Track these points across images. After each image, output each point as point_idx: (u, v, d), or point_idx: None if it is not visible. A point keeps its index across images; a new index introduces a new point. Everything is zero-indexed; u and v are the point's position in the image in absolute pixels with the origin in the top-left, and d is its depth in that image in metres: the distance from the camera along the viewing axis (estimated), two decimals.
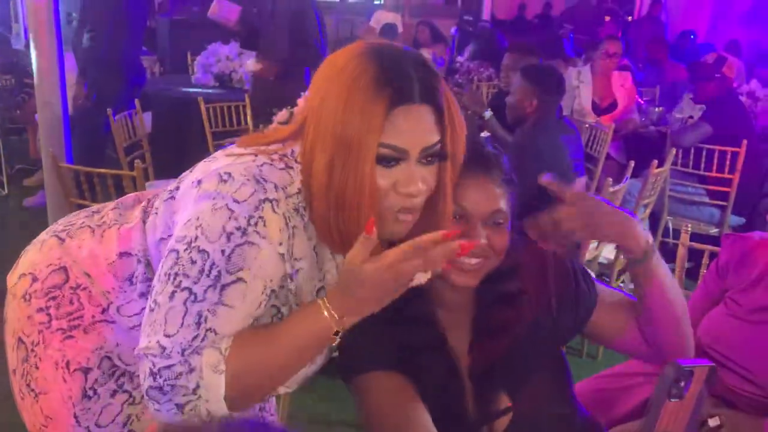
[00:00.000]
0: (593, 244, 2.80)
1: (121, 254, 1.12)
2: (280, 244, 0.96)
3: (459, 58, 6.64)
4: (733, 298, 1.57)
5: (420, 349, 1.14)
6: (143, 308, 1.01)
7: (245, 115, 4.19)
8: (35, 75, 2.71)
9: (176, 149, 4.08)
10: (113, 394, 1.13)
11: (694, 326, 1.32)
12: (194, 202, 0.97)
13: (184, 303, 0.92)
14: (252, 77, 4.22)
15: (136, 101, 3.82)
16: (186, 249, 0.94)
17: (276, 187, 0.97)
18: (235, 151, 1.02)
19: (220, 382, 0.92)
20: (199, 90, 4.81)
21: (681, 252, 2.00)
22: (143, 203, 1.16)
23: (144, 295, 1.09)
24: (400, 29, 8.77)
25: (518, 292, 1.17)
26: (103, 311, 1.12)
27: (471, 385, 1.16)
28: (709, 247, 2.00)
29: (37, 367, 1.12)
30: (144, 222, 1.12)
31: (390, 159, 0.95)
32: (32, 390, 1.14)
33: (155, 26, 6.77)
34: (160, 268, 0.97)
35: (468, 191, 1.09)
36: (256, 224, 0.94)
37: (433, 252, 0.93)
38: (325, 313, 0.96)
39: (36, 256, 1.16)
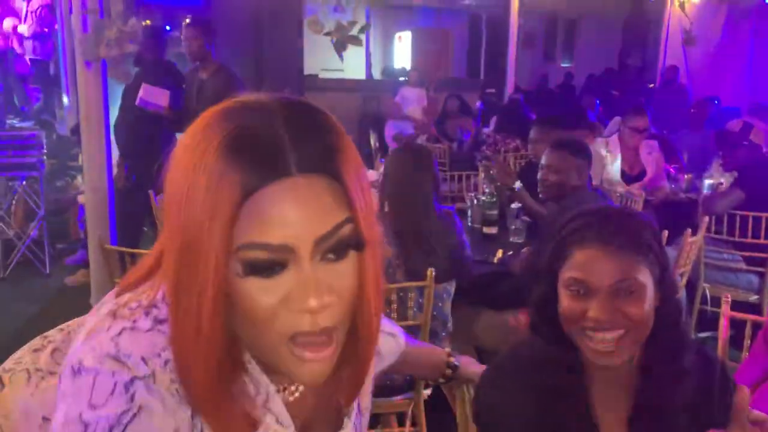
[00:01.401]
0: None
1: (45, 419, 0.85)
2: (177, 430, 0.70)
3: (485, 130, 6.78)
4: None
5: (563, 422, 1.11)
6: None
7: None
8: (84, 161, 2.86)
9: None
10: None
11: None
12: (58, 400, 0.73)
13: None
14: None
15: None
16: None
17: (144, 359, 0.70)
18: (101, 313, 0.76)
19: None
20: None
21: (723, 323, 1.99)
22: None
23: None
24: (425, 103, 9.01)
25: (685, 371, 1.12)
26: None
27: None
28: (752, 317, 1.98)
29: None
30: None
31: (263, 265, 0.66)
32: None
33: None
34: None
35: (590, 261, 1.06)
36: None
37: None
38: None
39: None
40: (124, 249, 2.56)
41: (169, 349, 0.70)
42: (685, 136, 6.12)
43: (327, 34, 3.55)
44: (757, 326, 1.93)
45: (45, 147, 4.88)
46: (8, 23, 7.60)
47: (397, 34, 12.35)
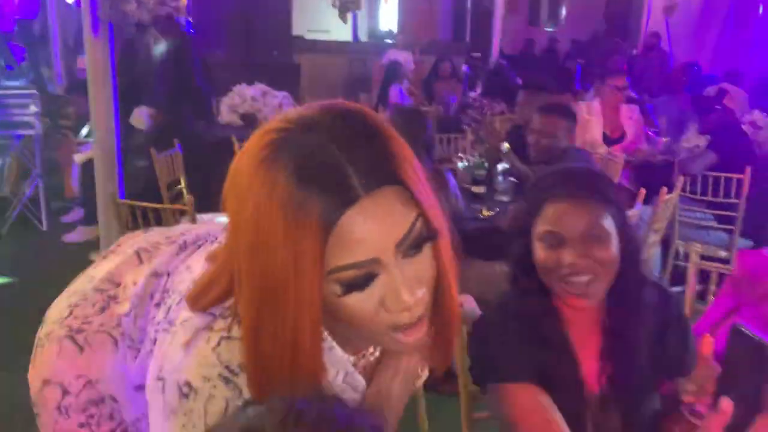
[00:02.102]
0: None
1: (137, 387, 0.95)
2: None
3: (471, 94, 6.91)
4: (748, 309, 1.73)
5: (553, 370, 1.24)
6: None
7: None
8: (94, 121, 2.98)
9: (209, 186, 4.31)
10: None
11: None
12: (164, 417, 0.81)
13: None
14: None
15: (175, 141, 4.07)
16: None
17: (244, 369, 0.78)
18: (184, 319, 0.84)
19: None
20: (228, 128, 5.09)
21: (692, 270, 2.19)
22: (158, 316, 0.94)
23: None
24: (412, 66, 9.08)
25: (645, 305, 1.27)
26: None
27: (592, 405, 1.28)
28: (718, 264, 2.19)
29: None
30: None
31: (359, 281, 0.72)
32: None
33: None
34: None
35: (563, 215, 1.20)
36: None
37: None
38: None
39: (57, 361, 1.00)
40: (136, 203, 2.70)
41: None
42: (665, 101, 6.32)
43: None
44: (722, 278, 2.11)
45: (40, 106, 4.94)
46: None
47: None
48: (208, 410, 0.77)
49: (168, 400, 0.80)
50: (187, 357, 0.80)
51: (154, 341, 0.91)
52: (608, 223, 1.21)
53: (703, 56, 10.04)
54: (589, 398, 1.28)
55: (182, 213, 2.65)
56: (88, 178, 4.73)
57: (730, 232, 3.87)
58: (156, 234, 1.10)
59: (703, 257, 2.21)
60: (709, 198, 3.94)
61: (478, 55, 9.39)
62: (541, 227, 1.24)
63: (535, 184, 1.31)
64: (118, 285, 1.01)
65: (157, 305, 0.95)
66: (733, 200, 3.84)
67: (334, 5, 3.64)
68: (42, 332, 1.04)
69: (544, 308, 1.27)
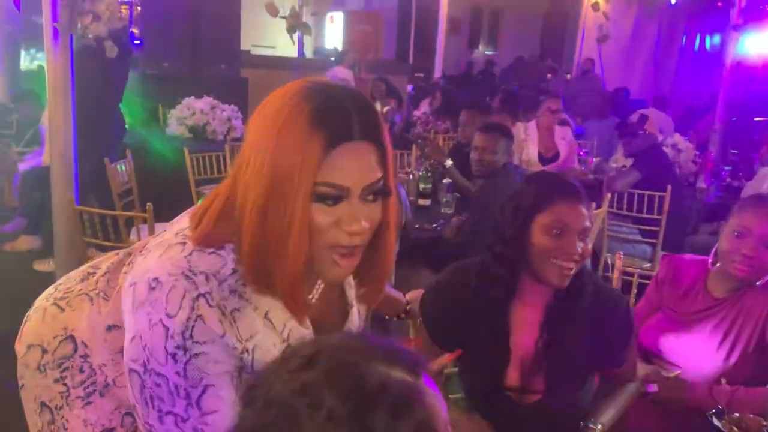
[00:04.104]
0: None
1: (110, 327, 1.11)
2: (222, 335, 0.95)
3: (415, 113, 7.16)
4: (669, 306, 1.96)
5: (484, 321, 1.53)
6: None
7: (225, 163, 4.54)
8: (50, 128, 3.02)
9: (161, 195, 4.37)
10: None
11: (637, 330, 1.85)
12: (132, 312, 0.97)
13: (176, 425, 0.95)
14: None
15: (127, 151, 4.11)
16: (145, 372, 0.95)
17: (207, 277, 0.95)
18: (166, 237, 1.02)
19: None
20: (177, 140, 5.15)
21: (615, 275, 2.43)
22: (124, 269, 1.12)
23: None
24: (353, 84, 9.26)
25: (585, 312, 1.52)
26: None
27: (518, 362, 1.54)
28: (638, 270, 2.44)
29: (65, 428, 1.15)
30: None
31: (330, 197, 0.93)
32: None
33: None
34: (132, 388, 0.98)
35: (569, 212, 1.46)
36: (192, 334, 0.93)
37: None
38: None
39: (40, 326, 1.16)
40: (93, 210, 2.77)
41: (226, 267, 0.96)
42: (595, 124, 6.72)
43: (282, 17, 3.78)
44: (642, 286, 2.34)
45: None
46: None
47: (329, 15, 12.52)
48: (169, 298, 0.94)
49: (137, 295, 0.97)
50: (159, 260, 0.98)
51: (125, 279, 1.08)
52: (590, 225, 1.49)
53: (632, 82, 10.65)
54: (513, 349, 1.55)
55: (144, 221, 2.73)
56: (30, 188, 4.71)
57: (652, 245, 4.19)
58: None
59: (627, 273, 2.45)
60: (635, 213, 4.25)
61: (421, 75, 9.68)
62: (547, 218, 1.47)
63: (539, 184, 1.55)
64: (98, 268, 1.20)
65: (128, 264, 1.11)
66: (655, 216, 4.15)
67: (288, 29, 3.77)
68: (30, 310, 1.21)
69: (507, 274, 1.52)
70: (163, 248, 0.99)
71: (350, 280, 1.16)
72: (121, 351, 1.07)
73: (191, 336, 0.93)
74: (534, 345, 1.54)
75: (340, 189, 0.93)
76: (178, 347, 0.93)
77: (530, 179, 1.60)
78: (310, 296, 1.07)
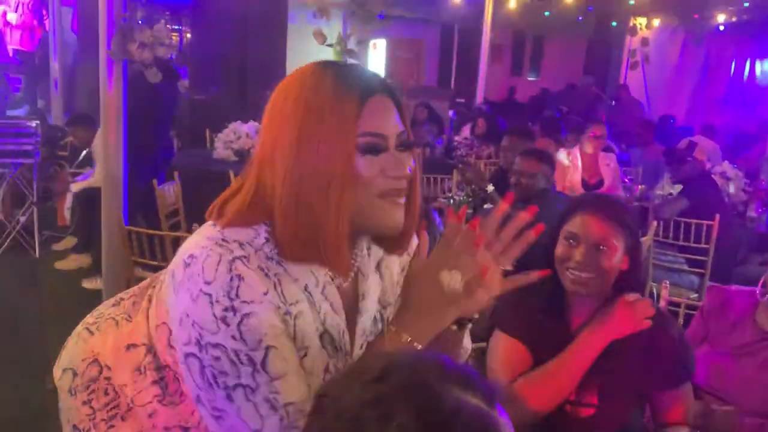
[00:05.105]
0: None
1: (129, 346, 1.12)
2: (266, 293, 0.94)
3: (456, 138, 7.17)
4: (716, 338, 1.91)
5: (548, 334, 1.57)
6: (155, 395, 1.08)
7: None
8: (102, 149, 3.13)
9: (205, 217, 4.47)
10: None
11: None
12: (174, 295, 0.97)
13: (246, 398, 0.92)
14: None
15: (175, 173, 4.23)
16: (200, 350, 0.93)
17: (240, 244, 0.95)
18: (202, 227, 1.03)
19: None
20: (223, 163, 5.27)
21: (662, 304, 2.38)
22: (149, 291, 1.14)
23: (156, 382, 1.09)
24: None
25: (639, 334, 1.53)
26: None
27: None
28: (684, 300, 2.38)
29: None
30: (148, 310, 1.11)
31: (375, 147, 0.95)
32: None
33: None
34: (192, 375, 0.95)
35: (584, 222, 1.54)
36: (237, 293, 0.92)
37: (458, 243, 1.01)
38: (405, 338, 1.00)
39: (73, 350, 1.19)
40: (141, 229, 2.84)
41: (258, 237, 0.96)
42: (640, 152, 6.62)
43: (329, 45, 3.88)
44: (689, 316, 2.28)
45: (40, 136, 5.06)
46: None
47: (372, 42, 12.69)
48: (204, 267, 0.93)
49: (175, 278, 0.97)
50: (192, 241, 0.99)
51: (149, 300, 1.11)
52: (617, 241, 1.54)
53: (678, 109, 10.48)
54: None
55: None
56: (82, 208, 4.87)
57: (700, 275, 4.08)
58: None
59: (673, 303, 2.40)
60: (681, 242, 4.16)
61: (462, 100, 9.72)
62: (567, 228, 1.58)
63: (571, 199, 1.59)
64: (122, 299, 1.23)
65: (154, 287, 1.13)
66: (703, 245, 4.05)
67: (336, 56, 3.86)
68: (69, 337, 1.25)
69: (555, 299, 1.62)
70: (194, 234, 1.02)
71: (366, 268, 1.13)
72: (139, 368, 1.09)
73: (237, 296, 0.92)
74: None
75: (381, 137, 0.96)
76: (226, 309, 0.91)
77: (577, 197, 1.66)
78: (342, 282, 1.07)
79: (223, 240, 0.95)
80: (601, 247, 1.53)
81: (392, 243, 1.10)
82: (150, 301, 1.11)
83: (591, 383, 1.54)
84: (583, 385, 1.54)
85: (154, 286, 1.13)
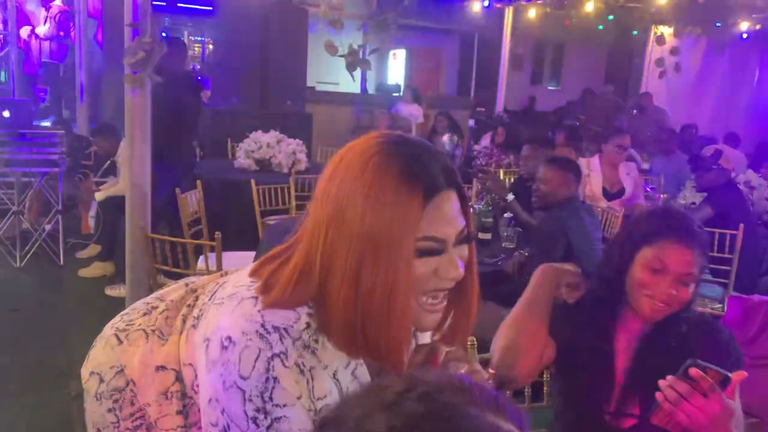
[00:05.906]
0: None
1: (158, 368, 1.12)
2: (299, 397, 0.93)
3: (476, 147, 7.17)
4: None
5: (590, 344, 1.56)
6: (178, 425, 1.09)
7: (289, 195, 4.66)
8: (127, 159, 3.19)
9: (228, 225, 4.51)
10: None
11: None
12: (206, 373, 0.96)
13: None
14: None
15: (198, 182, 4.28)
16: None
17: (281, 336, 0.93)
18: (239, 290, 1.00)
19: None
20: (244, 173, 5.32)
21: None
22: (183, 311, 1.14)
23: (180, 412, 1.10)
24: (421, 120, 9.37)
25: (685, 340, 1.51)
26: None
27: (618, 386, 1.55)
28: (708, 311, 2.35)
29: None
30: (180, 335, 1.11)
31: (431, 251, 0.93)
32: None
33: None
34: None
35: (673, 253, 1.45)
36: (271, 396, 0.91)
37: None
38: None
39: (101, 354, 1.19)
40: (165, 237, 2.88)
41: (300, 322, 0.94)
42: (662, 160, 6.56)
43: (341, 56, 3.90)
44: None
45: (65, 146, 5.16)
46: (25, 31, 7.88)
47: (392, 52, 12.76)
48: (242, 359, 0.92)
49: (210, 353, 0.95)
50: (232, 316, 0.96)
51: (183, 321, 1.10)
52: (698, 271, 1.47)
53: (701, 118, 10.37)
54: (613, 383, 1.56)
55: (212, 249, 2.82)
56: (106, 216, 4.95)
57: (723, 285, 4.02)
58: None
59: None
60: None
61: (482, 109, 9.71)
62: (650, 253, 1.48)
63: (657, 218, 1.55)
64: (162, 300, 1.21)
65: (189, 306, 1.13)
66: (727, 255, 4.00)
67: (347, 66, 3.87)
68: (97, 337, 1.24)
69: (612, 315, 1.57)
70: (236, 302, 0.98)
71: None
72: (165, 393, 1.09)
73: (271, 398, 0.91)
74: (630, 369, 1.55)
75: (440, 242, 0.93)
76: (257, 410, 0.91)
77: (654, 211, 1.60)
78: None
79: (263, 329, 0.93)
80: (686, 280, 1.47)
81: (443, 338, 1.09)
82: (184, 322, 1.11)
83: (632, 393, 1.53)
84: (624, 395, 1.53)
85: (189, 306, 1.13)
